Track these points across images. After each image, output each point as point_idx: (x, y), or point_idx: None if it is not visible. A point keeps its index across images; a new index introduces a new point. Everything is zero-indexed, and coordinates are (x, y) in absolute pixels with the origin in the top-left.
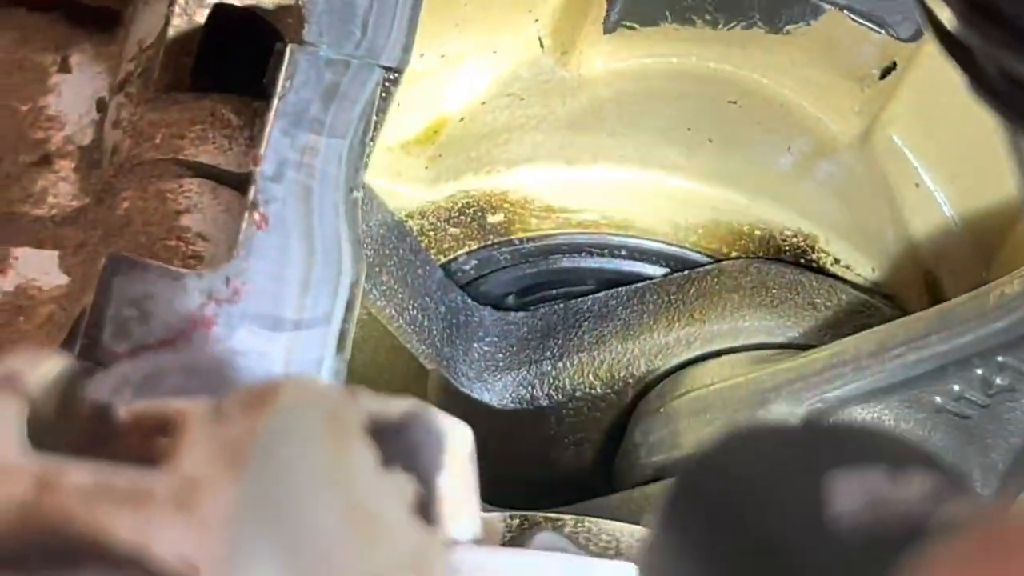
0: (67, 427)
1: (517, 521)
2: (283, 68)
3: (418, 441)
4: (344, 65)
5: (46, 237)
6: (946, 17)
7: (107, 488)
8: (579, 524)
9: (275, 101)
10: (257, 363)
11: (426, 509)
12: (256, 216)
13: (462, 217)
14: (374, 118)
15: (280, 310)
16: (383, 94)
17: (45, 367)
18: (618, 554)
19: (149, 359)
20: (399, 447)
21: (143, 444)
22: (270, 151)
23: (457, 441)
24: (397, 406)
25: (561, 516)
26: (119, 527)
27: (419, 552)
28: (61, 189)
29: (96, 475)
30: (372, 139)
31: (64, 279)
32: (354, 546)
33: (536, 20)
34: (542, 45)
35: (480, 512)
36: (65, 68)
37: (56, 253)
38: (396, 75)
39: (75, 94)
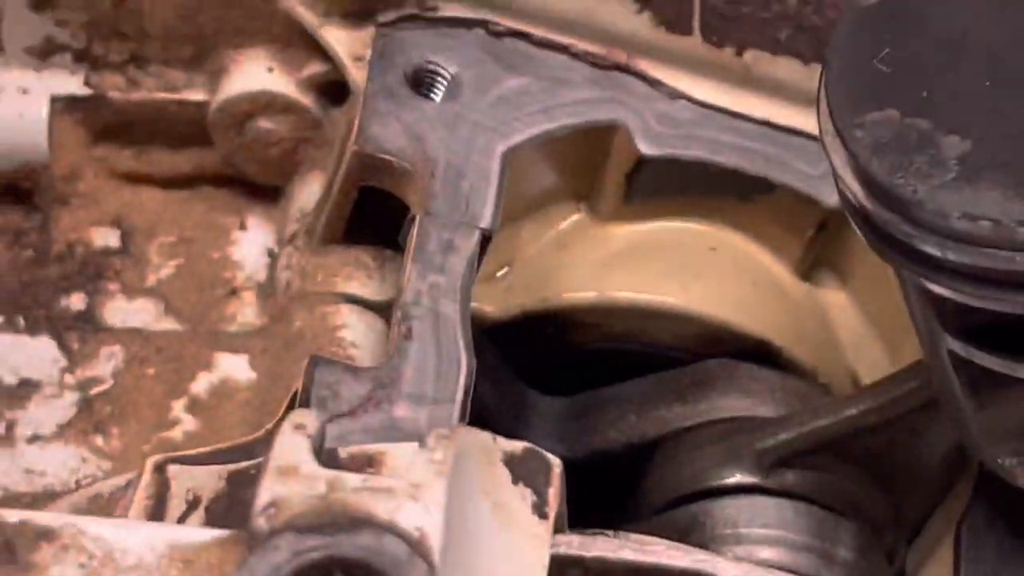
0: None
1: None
2: (414, 231)
3: (535, 467)
4: (455, 227)
5: (239, 346)
6: (853, 196)
7: (368, 487)
8: (616, 535)
9: (411, 252)
10: (411, 426)
11: (540, 509)
12: (403, 329)
13: (522, 329)
14: (475, 265)
15: (422, 391)
16: (481, 248)
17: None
18: None
19: (339, 424)
20: (523, 470)
21: (358, 468)
22: (410, 286)
23: (556, 467)
24: (520, 445)
25: (603, 531)
26: (379, 510)
27: (536, 536)
28: (247, 313)
29: (360, 480)
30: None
31: (253, 375)
32: (498, 530)
33: (580, 198)
34: (581, 211)
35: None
36: (243, 227)
37: (247, 357)
38: (489, 234)
39: (251, 245)
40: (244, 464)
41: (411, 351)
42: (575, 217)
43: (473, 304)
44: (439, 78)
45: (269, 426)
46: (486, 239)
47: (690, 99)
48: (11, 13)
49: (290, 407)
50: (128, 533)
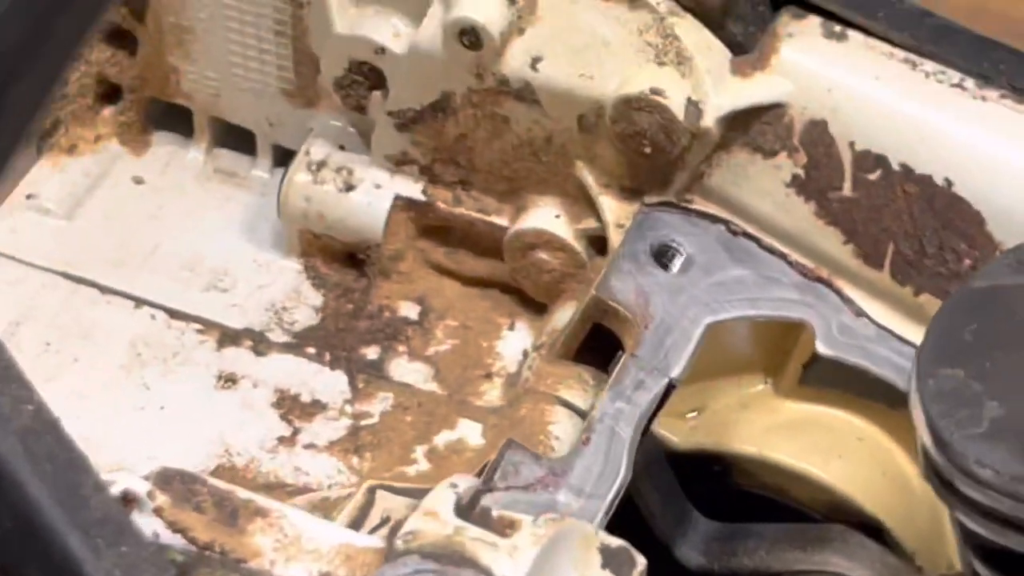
0: (471, 513)
1: None
2: (619, 365)
3: (623, 559)
4: (650, 371)
5: (479, 416)
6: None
7: (481, 539)
8: None
9: (610, 382)
10: (566, 509)
11: None
12: (584, 438)
13: (696, 462)
14: (655, 404)
15: (583, 485)
16: (666, 391)
17: (467, 483)
18: None
19: (513, 493)
20: (612, 560)
21: (500, 527)
22: (600, 407)
23: (640, 565)
24: (616, 541)
25: None
26: (483, 557)
27: None
28: (493, 393)
29: (480, 533)
30: (654, 417)
31: (482, 441)
32: None
33: (768, 373)
34: (767, 383)
35: None
36: (512, 328)
37: (481, 426)
38: (675, 383)
39: (513, 343)
40: None
41: (585, 454)
42: (760, 387)
43: (664, 432)
44: (678, 254)
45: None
46: (671, 386)
47: (870, 318)
48: (381, 128)
49: (481, 472)
50: (317, 527)
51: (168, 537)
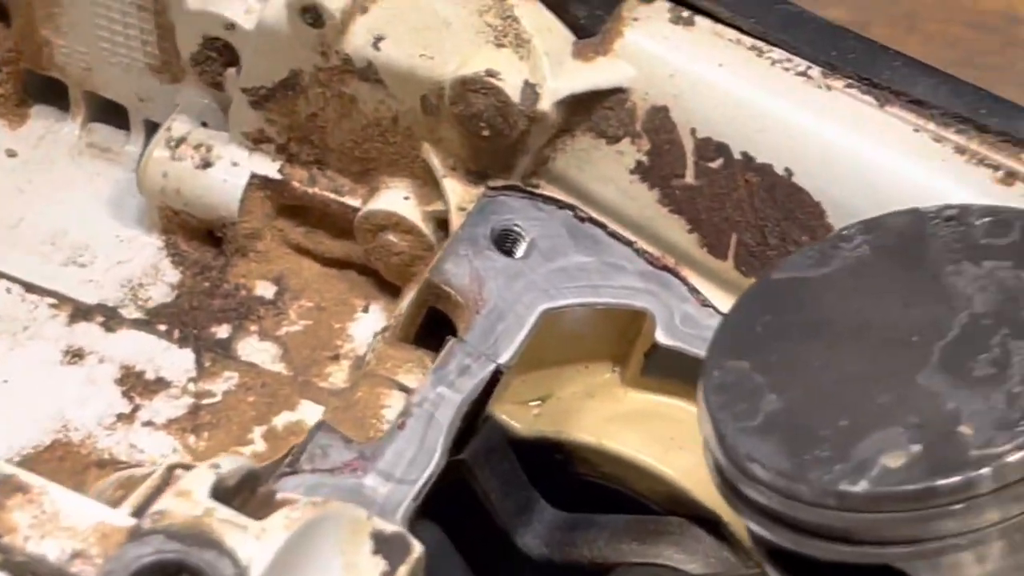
0: (243, 497)
1: None
2: (445, 352)
3: (397, 547)
4: (477, 356)
5: (321, 399)
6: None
7: (230, 521)
8: None
9: (433, 367)
10: (371, 494)
11: None
12: (399, 422)
13: (539, 450)
14: (479, 390)
15: (392, 471)
16: (492, 378)
17: (233, 464)
18: None
19: (319, 476)
20: (385, 546)
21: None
22: (421, 391)
23: (415, 552)
24: (392, 528)
25: None
26: (228, 539)
27: None
28: (339, 376)
29: (230, 514)
30: (483, 402)
31: None
32: None
33: (616, 362)
34: (614, 372)
35: None
36: (366, 310)
37: (322, 408)
38: (503, 370)
39: (365, 326)
40: None
41: (398, 439)
42: (607, 375)
43: (507, 419)
44: (520, 239)
45: (269, 463)
46: (499, 373)
47: (715, 309)
48: (237, 105)
49: (289, 453)
50: (78, 504)
51: None
